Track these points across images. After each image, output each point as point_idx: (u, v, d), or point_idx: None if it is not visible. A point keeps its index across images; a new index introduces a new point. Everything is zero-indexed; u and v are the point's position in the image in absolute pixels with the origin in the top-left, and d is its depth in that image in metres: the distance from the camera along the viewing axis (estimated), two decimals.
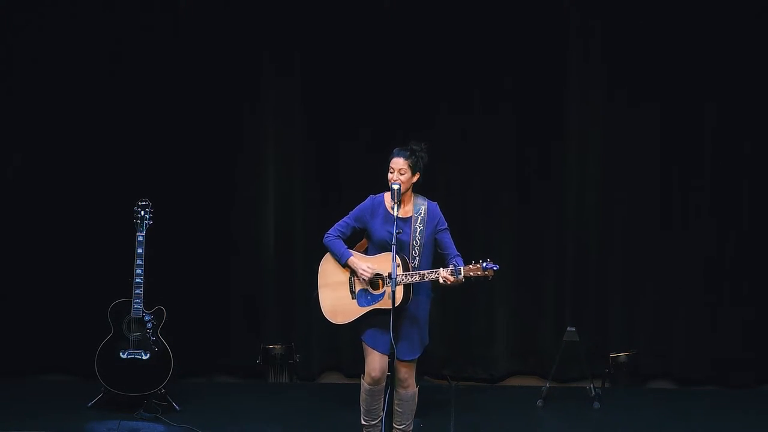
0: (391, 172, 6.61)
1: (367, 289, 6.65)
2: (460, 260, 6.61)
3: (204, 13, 8.42)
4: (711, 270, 8.47)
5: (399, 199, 6.54)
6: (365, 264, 6.62)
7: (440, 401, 8.16)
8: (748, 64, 8.30)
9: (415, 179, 6.65)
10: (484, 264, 6.49)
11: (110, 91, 8.43)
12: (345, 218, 6.78)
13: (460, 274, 6.48)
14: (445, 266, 6.57)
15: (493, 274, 6.50)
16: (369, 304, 6.62)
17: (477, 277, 6.51)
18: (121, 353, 7.78)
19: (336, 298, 6.72)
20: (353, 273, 6.68)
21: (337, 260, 6.71)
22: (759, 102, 8.35)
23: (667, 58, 8.33)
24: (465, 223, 8.46)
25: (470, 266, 6.50)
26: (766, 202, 8.43)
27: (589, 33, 8.37)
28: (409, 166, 6.61)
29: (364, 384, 6.75)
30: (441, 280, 6.49)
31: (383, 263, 6.59)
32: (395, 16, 8.39)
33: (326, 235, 6.76)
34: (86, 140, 8.47)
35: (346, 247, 6.72)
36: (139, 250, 7.74)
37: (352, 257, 6.67)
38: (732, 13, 8.25)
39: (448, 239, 6.71)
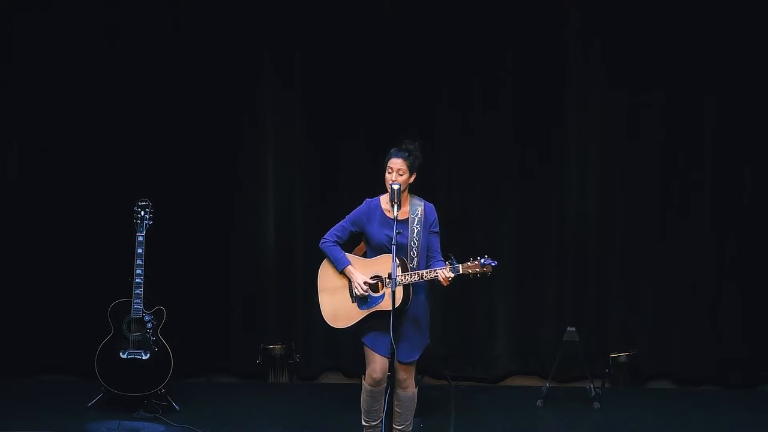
0: (389, 173, 6.61)
1: (367, 292, 6.65)
2: (441, 264, 6.61)
3: (204, 12, 8.42)
4: (711, 269, 8.47)
5: (399, 199, 6.54)
6: (361, 279, 6.62)
7: (440, 401, 8.16)
8: (748, 62, 8.30)
9: (411, 180, 6.65)
10: (482, 260, 6.50)
11: (110, 91, 8.43)
12: (342, 222, 6.78)
13: (459, 271, 6.49)
14: (428, 269, 6.57)
15: (491, 270, 6.51)
16: (369, 307, 6.62)
17: (475, 274, 6.51)
18: (121, 353, 7.78)
19: (336, 303, 6.72)
20: None
21: (334, 267, 6.72)
22: (760, 101, 8.35)
23: (668, 57, 8.33)
24: (465, 222, 8.47)
25: (468, 263, 6.50)
26: (767, 201, 8.43)
27: (589, 32, 8.37)
28: (408, 166, 6.61)
29: (365, 385, 6.75)
30: (441, 279, 6.49)
31: (382, 265, 6.59)
32: (395, 16, 8.39)
33: (323, 240, 6.76)
34: (86, 140, 8.47)
35: (343, 253, 6.71)
36: (139, 250, 7.74)
37: (349, 266, 6.67)
38: (733, 12, 8.24)
39: (436, 243, 6.72)
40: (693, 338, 8.52)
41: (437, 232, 6.73)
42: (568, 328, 8.09)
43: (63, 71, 8.43)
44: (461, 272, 6.49)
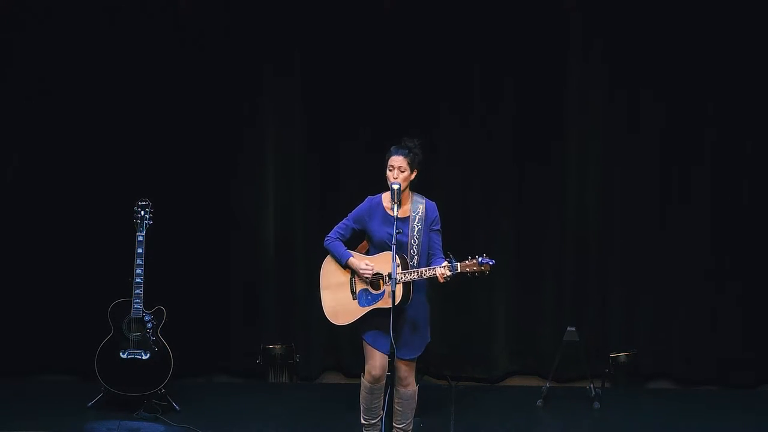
0: (390, 170, 6.62)
1: (367, 289, 6.66)
2: (441, 262, 6.61)
3: (204, 12, 8.42)
4: (711, 270, 8.47)
5: (399, 198, 6.55)
6: (364, 262, 6.64)
7: (440, 401, 8.16)
8: (749, 61, 8.30)
9: (413, 176, 6.66)
10: (480, 259, 6.51)
11: (110, 91, 8.43)
12: (344, 220, 6.80)
13: (457, 269, 6.49)
14: (428, 266, 6.58)
15: (489, 269, 6.52)
16: (370, 304, 6.63)
17: (473, 273, 6.52)
18: (121, 353, 7.78)
19: (337, 300, 6.73)
20: (354, 273, 6.69)
21: (337, 261, 6.72)
22: (760, 101, 8.35)
23: (668, 57, 8.33)
24: (465, 223, 8.47)
25: (466, 262, 6.51)
26: (767, 201, 8.43)
27: (589, 32, 8.37)
28: (408, 163, 6.62)
29: (365, 382, 6.76)
30: (440, 278, 6.50)
31: (383, 263, 6.60)
32: (395, 16, 8.39)
33: (326, 238, 6.78)
34: (86, 140, 8.47)
35: (345, 248, 6.73)
36: (139, 250, 7.74)
37: (351, 258, 6.69)
38: (733, 11, 8.24)
39: (437, 240, 6.73)
40: (693, 338, 8.52)
41: (438, 230, 6.74)
42: (568, 328, 8.10)
43: (63, 71, 8.42)
44: (459, 271, 6.50)
